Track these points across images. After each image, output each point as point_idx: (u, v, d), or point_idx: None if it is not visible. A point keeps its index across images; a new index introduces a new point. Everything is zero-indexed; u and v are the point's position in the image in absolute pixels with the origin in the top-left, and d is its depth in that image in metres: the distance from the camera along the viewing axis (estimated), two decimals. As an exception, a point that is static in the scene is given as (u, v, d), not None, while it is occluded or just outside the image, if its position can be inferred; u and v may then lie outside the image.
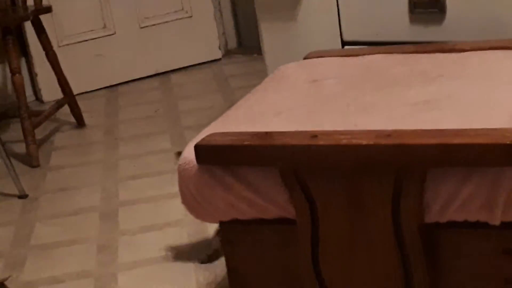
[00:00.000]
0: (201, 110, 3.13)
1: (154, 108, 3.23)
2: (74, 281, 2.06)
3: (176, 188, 1.58)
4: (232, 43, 3.83)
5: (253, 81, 2.66)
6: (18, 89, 2.85)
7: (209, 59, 3.68)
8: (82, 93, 3.41)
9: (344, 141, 1.40)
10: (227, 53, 3.77)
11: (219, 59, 3.70)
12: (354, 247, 1.46)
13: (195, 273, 2.01)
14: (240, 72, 3.53)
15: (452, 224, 1.41)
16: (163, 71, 3.61)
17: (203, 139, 1.51)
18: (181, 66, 3.63)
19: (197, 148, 1.50)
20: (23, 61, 3.38)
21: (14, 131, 3.10)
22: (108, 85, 3.54)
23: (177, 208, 2.04)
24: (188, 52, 3.63)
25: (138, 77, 3.57)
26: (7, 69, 3.12)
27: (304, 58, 1.94)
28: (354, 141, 1.40)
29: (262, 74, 2.43)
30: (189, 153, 1.52)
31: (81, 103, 3.18)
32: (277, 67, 1.93)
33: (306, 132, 1.46)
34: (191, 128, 2.90)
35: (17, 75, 2.84)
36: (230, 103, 2.79)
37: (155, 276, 2.03)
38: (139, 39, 3.57)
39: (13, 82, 2.86)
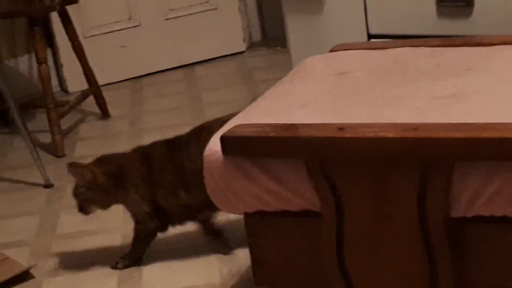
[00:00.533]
0: (224, 102, 3.13)
1: (178, 100, 3.25)
2: (98, 270, 2.08)
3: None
4: (256, 36, 3.83)
5: (276, 74, 2.66)
6: (44, 79, 2.87)
7: (233, 52, 3.68)
8: (107, 84, 3.42)
9: (371, 134, 1.40)
10: (251, 45, 3.77)
11: (243, 52, 3.70)
12: (379, 240, 1.46)
13: (219, 264, 2.02)
14: (264, 65, 3.53)
15: (478, 219, 1.40)
16: (187, 63, 3.61)
17: (229, 130, 1.52)
18: (205, 58, 3.63)
19: (223, 139, 1.50)
20: (49, 52, 3.40)
21: (40, 121, 3.13)
22: (132, 76, 3.55)
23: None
24: (212, 44, 3.63)
25: (162, 68, 3.58)
26: (33, 60, 3.15)
27: (330, 51, 1.93)
28: (381, 134, 1.39)
29: (286, 67, 2.43)
30: (214, 144, 1.53)
31: (106, 94, 3.20)
32: (302, 59, 1.93)
33: (332, 124, 1.46)
34: (215, 120, 2.91)
35: (43, 65, 2.86)
36: (253, 96, 2.80)
37: (178, 267, 2.04)
38: (164, 31, 3.58)
39: (39, 73, 2.89)
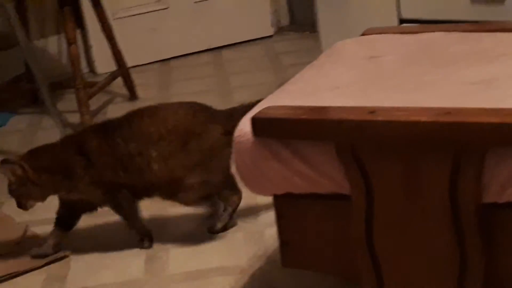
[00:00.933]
0: (252, 86, 3.13)
1: (206, 83, 3.25)
2: (126, 252, 2.09)
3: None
4: (285, 20, 3.81)
5: (304, 58, 2.65)
6: (74, 59, 2.89)
7: (261, 36, 3.68)
8: (136, 66, 3.44)
9: (403, 118, 1.39)
10: (279, 30, 3.76)
11: (271, 36, 3.69)
12: (409, 225, 1.45)
13: (246, 246, 2.02)
14: (291, 49, 3.52)
15: (510, 205, 1.39)
16: (215, 46, 3.62)
17: (260, 112, 1.51)
18: (233, 42, 3.63)
19: (254, 120, 1.50)
20: (78, 33, 3.42)
21: (69, 101, 3.15)
22: (161, 58, 3.56)
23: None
24: (241, 28, 3.63)
25: (190, 51, 3.59)
26: (63, 40, 3.17)
27: (362, 35, 1.92)
28: (413, 118, 1.38)
29: (314, 52, 2.42)
30: (245, 125, 1.53)
31: (134, 76, 3.21)
32: (331, 44, 1.92)
33: (363, 107, 1.45)
34: (243, 104, 2.90)
35: (73, 45, 2.88)
36: (281, 80, 2.79)
37: (205, 248, 2.05)
38: (193, 14, 3.58)
39: (69, 53, 2.90)
